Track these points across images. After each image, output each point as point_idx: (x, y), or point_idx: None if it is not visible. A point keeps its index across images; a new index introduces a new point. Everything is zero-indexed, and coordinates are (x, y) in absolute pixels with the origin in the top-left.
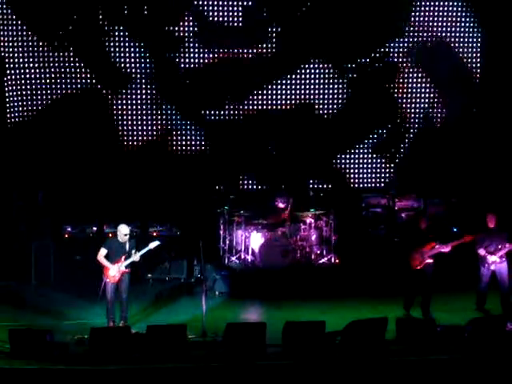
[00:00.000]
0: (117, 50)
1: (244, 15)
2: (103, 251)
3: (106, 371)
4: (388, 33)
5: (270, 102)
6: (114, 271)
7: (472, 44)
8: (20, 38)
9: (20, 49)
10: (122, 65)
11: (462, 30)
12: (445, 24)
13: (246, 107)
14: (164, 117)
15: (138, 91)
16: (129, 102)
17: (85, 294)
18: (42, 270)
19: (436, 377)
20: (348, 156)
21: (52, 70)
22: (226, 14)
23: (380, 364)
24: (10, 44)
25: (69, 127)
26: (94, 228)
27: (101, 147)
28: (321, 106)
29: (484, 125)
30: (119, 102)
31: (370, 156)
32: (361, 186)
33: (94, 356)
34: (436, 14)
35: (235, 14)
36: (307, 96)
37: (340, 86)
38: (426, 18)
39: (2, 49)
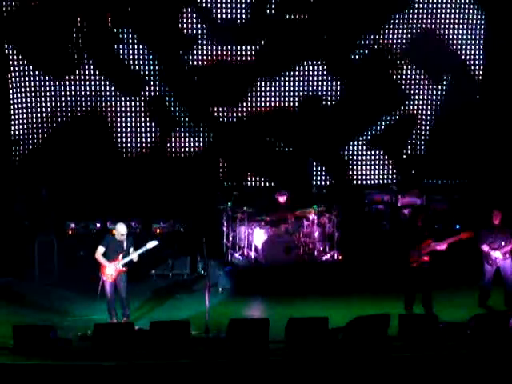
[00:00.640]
0: (125, 52)
1: (247, 11)
2: (101, 249)
3: (109, 367)
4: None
5: (272, 98)
6: (111, 270)
7: (474, 34)
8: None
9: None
10: (135, 67)
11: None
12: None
13: (247, 105)
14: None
15: (146, 93)
16: (133, 103)
17: (88, 290)
18: (45, 266)
19: (439, 373)
20: (351, 151)
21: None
22: (229, 10)
23: (383, 360)
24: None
25: (74, 128)
26: (98, 224)
27: (105, 145)
28: (323, 98)
29: (488, 120)
30: (124, 103)
31: (373, 152)
32: (363, 182)
33: (97, 352)
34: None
35: (238, 10)
36: (310, 89)
37: (341, 78)
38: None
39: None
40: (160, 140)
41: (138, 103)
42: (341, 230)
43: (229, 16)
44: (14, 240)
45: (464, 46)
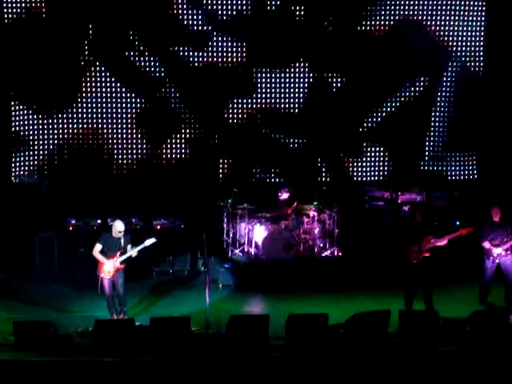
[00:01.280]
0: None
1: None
2: (98, 246)
3: (109, 363)
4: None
5: (274, 95)
6: (109, 267)
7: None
8: None
9: None
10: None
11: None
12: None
13: (250, 102)
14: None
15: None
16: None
17: (88, 286)
18: (45, 263)
19: (439, 369)
20: (351, 148)
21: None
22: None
23: (382, 356)
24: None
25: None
26: (98, 221)
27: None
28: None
29: (488, 115)
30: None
31: (373, 149)
32: (363, 179)
33: (97, 348)
34: None
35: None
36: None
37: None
38: None
39: None
40: (162, 141)
41: (140, 104)
42: (341, 226)
43: (234, 12)
44: (14, 236)
45: (463, 39)
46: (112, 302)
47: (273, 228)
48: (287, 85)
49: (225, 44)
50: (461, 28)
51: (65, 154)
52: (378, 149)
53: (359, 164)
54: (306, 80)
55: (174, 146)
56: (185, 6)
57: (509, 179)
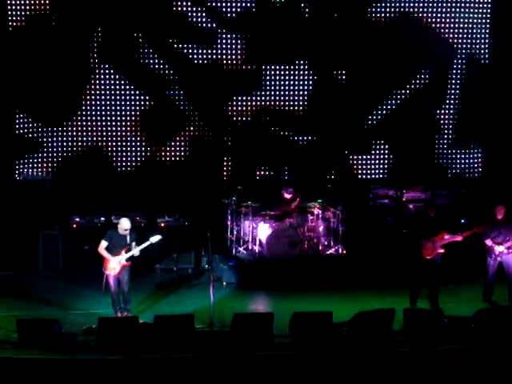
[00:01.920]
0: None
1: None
2: (104, 243)
3: (113, 361)
4: None
5: (279, 92)
6: (114, 264)
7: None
8: None
9: None
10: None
11: None
12: None
13: (255, 100)
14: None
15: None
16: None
17: (93, 283)
18: (49, 260)
19: (443, 368)
20: (356, 145)
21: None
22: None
23: (387, 355)
24: None
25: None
26: (102, 218)
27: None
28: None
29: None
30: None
31: (378, 147)
32: (368, 176)
33: (101, 346)
34: None
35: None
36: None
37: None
38: None
39: None
40: (167, 139)
41: (145, 103)
42: (345, 224)
43: (239, 10)
44: (19, 234)
45: (469, 31)
46: (117, 299)
47: (277, 226)
48: (292, 82)
49: (229, 41)
50: (466, 20)
51: (69, 153)
52: (382, 146)
53: (364, 162)
54: (311, 77)
55: (178, 143)
56: (189, 4)
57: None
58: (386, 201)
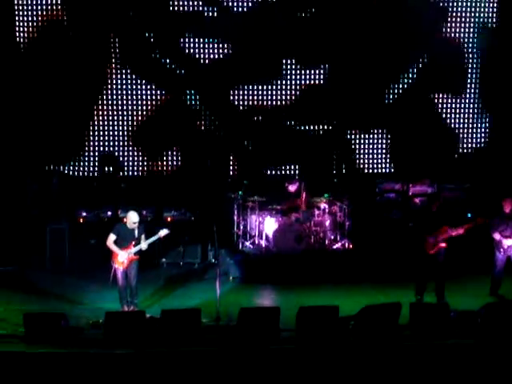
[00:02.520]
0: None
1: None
2: (112, 237)
3: (120, 355)
4: None
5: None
6: (123, 257)
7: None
8: None
9: None
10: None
11: None
12: None
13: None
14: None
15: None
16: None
17: (99, 278)
18: (56, 255)
19: (449, 362)
20: (362, 140)
21: None
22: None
23: (393, 349)
24: None
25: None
26: (109, 212)
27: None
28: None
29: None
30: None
31: (384, 141)
32: (374, 171)
33: (108, 340)
34: None
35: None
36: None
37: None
38: None
39: None
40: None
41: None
42: (352, 218)
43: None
44: (26, 228)
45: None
46: (124, 293)
47: (283, 220)
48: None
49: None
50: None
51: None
52: (385, 136)
53: (370, 156)
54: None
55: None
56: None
57: None
58: (392, 195)
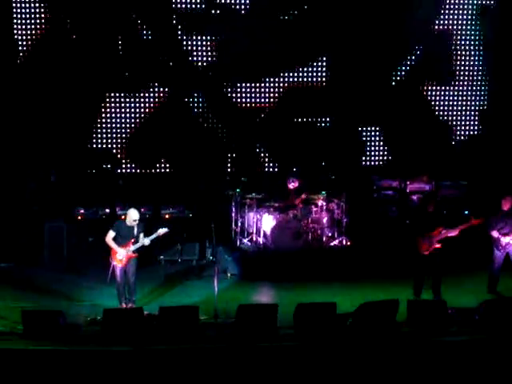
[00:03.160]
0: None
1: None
2: (111, 234)
3: (118, 352)
4: None
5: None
6: (122, 255)
7: None
8: None
9: None
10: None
11: None
12: None
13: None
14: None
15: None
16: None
17: (97, 275)
18: (54, 252)
19: (447, 359)
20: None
21: None
22: None
23: (391, 346)
24: None
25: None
26: (107, 210)
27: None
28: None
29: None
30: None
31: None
32: (371, 165)
33: (106, 337)
34: None
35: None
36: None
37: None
38: None
39: None
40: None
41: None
42: (349, 215)
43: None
44: (24, 225)
45: None
46: (122, 290)
47: (281, 217)
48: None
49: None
50: None
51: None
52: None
53: (367, 153)
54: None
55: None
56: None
57: None
58: (389, 192)
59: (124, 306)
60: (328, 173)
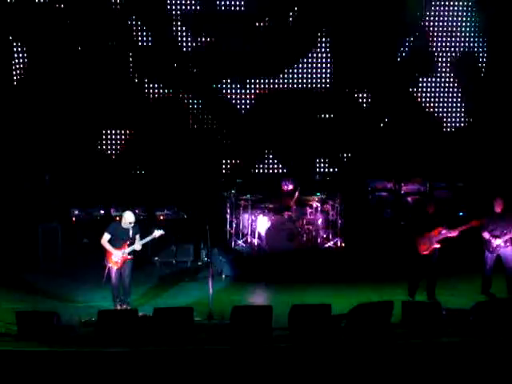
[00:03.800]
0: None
1: None
2: (107, 236)
3: (112, 353)
4: None
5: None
6: (117, 257)
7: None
8: None
9: None
10: None
11: None
12: None
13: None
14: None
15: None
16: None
17: (92, 276)
18: (49, 253)
19: (441, 360)
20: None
21: None
22: None
23: (385, 347)
24: None
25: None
26: (102, 211)
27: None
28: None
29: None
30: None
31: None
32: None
33: (101, 338)
34: None
35: None
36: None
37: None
38: None
39: None
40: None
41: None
42: (344, 217)
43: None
44: (18, 227)
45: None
46: (117, 291)
47: (276, 219)
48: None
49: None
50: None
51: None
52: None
53: (362, 155)
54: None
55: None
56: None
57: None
58: (384, 193)
59: (119, 307)
60: (323, 174)
